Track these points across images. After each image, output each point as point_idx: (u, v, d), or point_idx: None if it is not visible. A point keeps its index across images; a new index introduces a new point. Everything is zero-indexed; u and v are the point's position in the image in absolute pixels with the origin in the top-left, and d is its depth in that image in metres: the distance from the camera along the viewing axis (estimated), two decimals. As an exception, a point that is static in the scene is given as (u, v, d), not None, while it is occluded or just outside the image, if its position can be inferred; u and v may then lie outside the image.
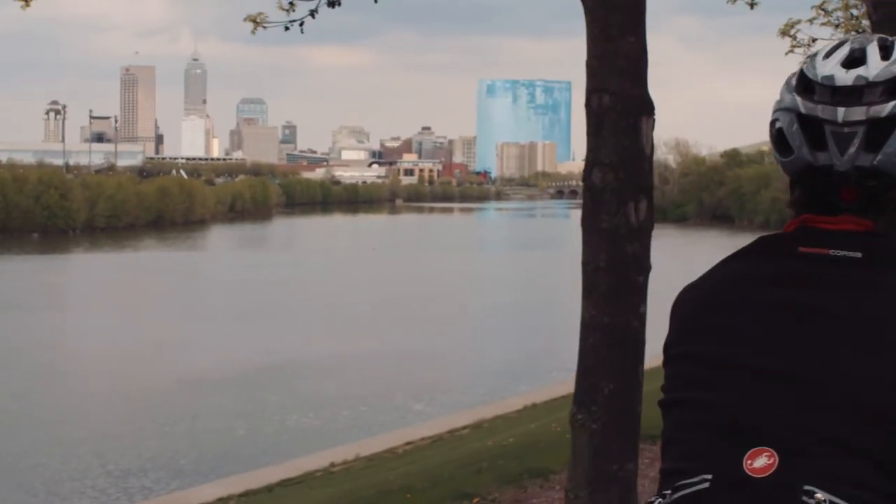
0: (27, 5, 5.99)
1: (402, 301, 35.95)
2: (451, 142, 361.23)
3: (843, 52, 1.35)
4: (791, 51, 8.99)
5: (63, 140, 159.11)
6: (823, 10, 9.22)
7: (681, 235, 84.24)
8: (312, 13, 5.63)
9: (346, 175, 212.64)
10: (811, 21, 9.19)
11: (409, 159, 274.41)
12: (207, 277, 48.89)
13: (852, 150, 1.31)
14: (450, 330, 29.90)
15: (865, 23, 8.64)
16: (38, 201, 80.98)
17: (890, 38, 1.37)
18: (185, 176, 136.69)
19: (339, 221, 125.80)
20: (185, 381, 21.94)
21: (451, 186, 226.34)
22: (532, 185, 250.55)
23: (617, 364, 4.16)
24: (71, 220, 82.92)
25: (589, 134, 4.20)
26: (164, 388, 21.45)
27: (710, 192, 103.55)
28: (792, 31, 9.05)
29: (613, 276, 4.15)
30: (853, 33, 8.94)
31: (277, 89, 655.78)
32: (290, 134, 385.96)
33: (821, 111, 1.32)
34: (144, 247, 72.85)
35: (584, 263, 4.21)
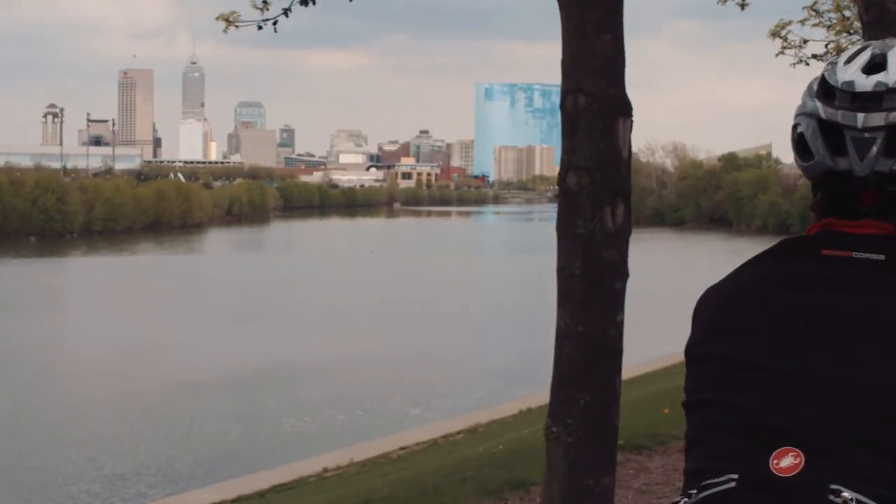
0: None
1: (400, 304, 36.00)
2: (449, 145, 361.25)
3: (864, 57, 1.37)
4: (782, 52, 8.87)
5: (61, 143, 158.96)
6: (815, 10, 9.11)
7: (678, 239, 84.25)
8: (286, 11, 5.49)
9: (344, 179, 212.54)
10: (802, 22, 9.07)
11: (406, 163, 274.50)
12: (204, 280, 48.99)
13: (872, 155, 1.33)
14: (447, 333, 29.87)
15: (858, 24, 8.52)
16: (35, 205, 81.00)
17: None
18: (183, 179, 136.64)
19: (336, 225, 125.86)
20: (182, 383, 22.02)
21: (448, 190, 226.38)
22: (530, 188, 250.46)
23: (593, 375, 4.01)
24: (68, 224, 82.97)
25: (564, 136, 4.05)
26: (161, 390, 21.54)
27: (708, 196, 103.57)
28: (783, 33, 8.93)
29: (589, 283, 3.99)
30: (845, 34, 8.82)
31: (275, 93, 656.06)
32: (287, 137, 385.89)
33: (841, 117, 1.34)
34: (141, 250, 72.93)
35: (559, 270, 4.06)
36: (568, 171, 4.01)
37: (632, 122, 4.03)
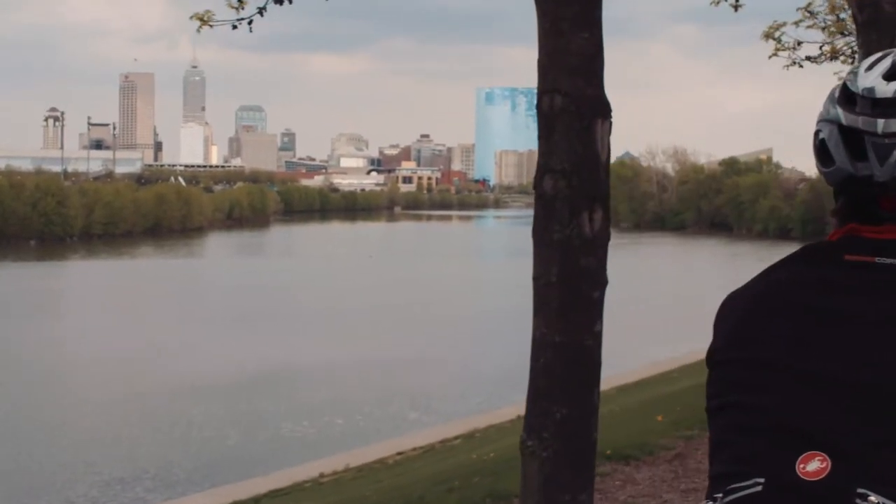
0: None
1: (400, 308, 35.98)
2: (449, 149, 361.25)
3: (885, 64, 1.38)
4: (775, 54, 8.74)
5: (62, 147, 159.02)
6: (810, 12, 8.96)
7: (679, 244, 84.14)
8: (261, 11, 5.35)
9: (345, 182, 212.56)
10: (797, 24, 8.93)
11: (407, 167, 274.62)
12: (204, 284, 49.07)
13: (892, 160, 1.34)
14: (447, 337, 29.84)
15: (853, 26, 8.39)
16: (35, 208, 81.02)
17: None
18: (184, 183, 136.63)
19: (336, 229, 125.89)
20: (182, 387, 22.12)
21: (449, 194, 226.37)
22: (531, 193, 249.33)
23: (570, 387, 3.84)
24: (68, 227, 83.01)
25: (540, 138, 3.89)
26: (161, 394, 21.67)
27: (709, 201, 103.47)
28: (777, 34, 8.79)
29: (566, 291, 3.83)
30: (839, 36, 8.69)
31: (276, 96, 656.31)
32: (288, 141, 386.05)
33: (861, 123, 1.35)
34: (141, 254, 73.01)
35: (535, 278, 3.90)
36: (544, 174, 3.85)
37: (611, 123, 3.87)
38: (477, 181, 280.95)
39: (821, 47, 8.82)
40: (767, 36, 8.75)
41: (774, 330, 1.32)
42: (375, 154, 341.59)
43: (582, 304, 3.86)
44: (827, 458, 1.18)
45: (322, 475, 13.73)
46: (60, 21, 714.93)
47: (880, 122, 1.33)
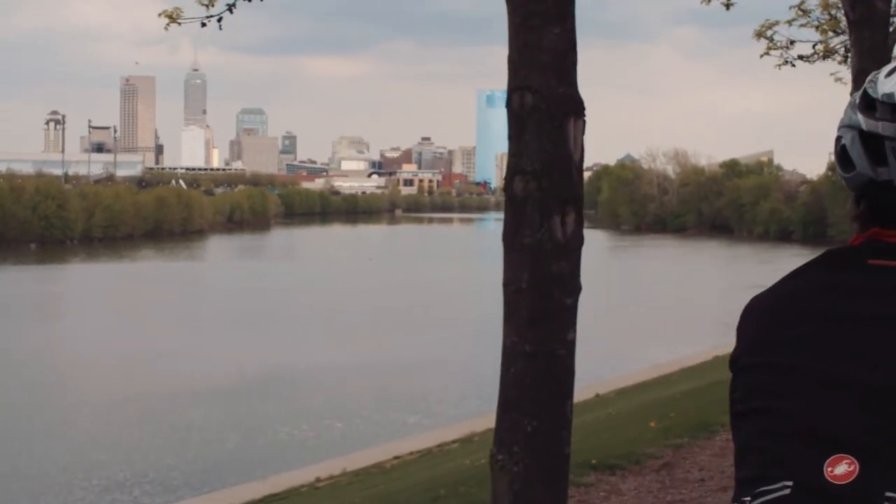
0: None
1: (400, 311, 35.96)
2: (450, 152, 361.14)
3: None
4: (767, 53, 8.59)
5: (63, 150, 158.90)
6: (802, 10, 8.82)
7: (680, 246, 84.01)
8: (230, 7, 5.20)
9: (346, 185, 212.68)
10: (790, 23, 8.79)
11: (408, 170, 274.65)
12: (204, 287, 49.09)
13: None
14: (448, 339, 29.72)
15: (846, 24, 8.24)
16: (35, 211, 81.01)
17: None
18: (185, 186, 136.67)
19: (337, 232, 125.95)
20: (182, 390, 22.11)
21: (450, 197, 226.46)
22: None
23: (541, 398, 3.67)
24: (68, 231, 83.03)
25: (510, 138, 3.71)
26: (160, 397, 21.69)
27: (709, 203, 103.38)
28: (769, 33, 8.65)
29: (537, 298, 3.66)
30: (832, 34, 8.55)
31: (277, 99, 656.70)
32: (289, 144, 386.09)
33: (881, 128, 1.36)
34: (141, 257, 73.05)
35: (505, 284, 3.73)
36: (514, 176, 3.67)
37: (584, 122, 3.69)
38: (478, 184, 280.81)
39: (814, 46, 8.70)
40: (759, 35, 8.62)
41: (798, 335, 1.32)
42: (376, 157, 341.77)
43: (554, 312, 3.68)
44: (855, 461, 1.18)
45: (318, 479, 13.78)
46: (62, 24, 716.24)
47: None
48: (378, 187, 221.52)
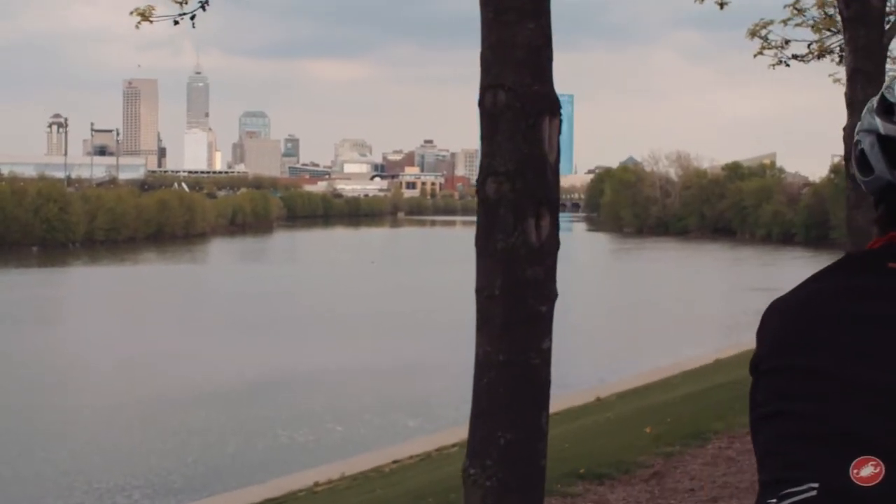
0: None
1: (401, 314, 35.89)
2: (453, 155, 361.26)
3: None
4: (760, 52, 8.46)
5: (65, 153, 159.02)
6: (797, 9, 8.68)
7: (682, 248, 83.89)
8: (203, 5, 5.06)
9: (348, 188, 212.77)
10: (785, 22, 8.65)
11: (411, 172, 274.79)
12: (206, 290, 49.06)
13: None
14: (449, 342, 29.60)
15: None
16: (37, 214, 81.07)
17: None
18: (187, 189, 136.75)
19: (339, 235, 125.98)
20: (182, 394, 22.04)
21: (453, 200, 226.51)
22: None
23: (515, 409, 3.52)
24: (70, 234, 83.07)
25: (483, 138, 3.57)
26: (161, 401, 21.64)
27: (712, 205, 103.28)
28: (763, 33, 8.51)
29: (510, 305, 3.51)
30: (827, 33, 8.42)
31: (280, 102, 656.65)
32: (292, 147, 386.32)
33: None
34: (143, 260, 73.09)
35: (478, 291, 3.58)
36: (487, 177, 3.53)
37: (560, 121, 3.54)
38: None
39: (809, 46, 8.56)
40: (753, 34, 8.48)
41: (819, 338, 1.32)
42: (379, 160, 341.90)
43: (528, 319, 3.53)
44: (881, 463, 1.16)
45: (317, 484, 13.75)
46: (64, 27, 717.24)
47: None
48: (380, 190, 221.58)
